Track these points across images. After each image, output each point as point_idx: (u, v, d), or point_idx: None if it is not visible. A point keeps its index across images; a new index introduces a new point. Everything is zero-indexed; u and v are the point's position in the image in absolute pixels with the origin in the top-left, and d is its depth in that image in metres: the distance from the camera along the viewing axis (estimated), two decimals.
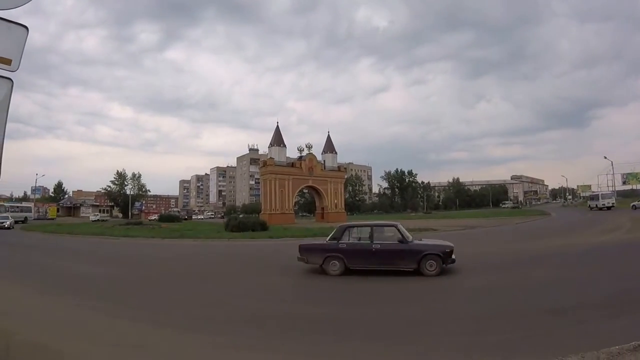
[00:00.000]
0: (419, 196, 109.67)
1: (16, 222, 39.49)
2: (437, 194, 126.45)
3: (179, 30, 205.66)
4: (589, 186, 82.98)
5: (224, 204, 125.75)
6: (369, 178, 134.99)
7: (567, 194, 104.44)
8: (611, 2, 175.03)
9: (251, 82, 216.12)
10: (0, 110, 2.30)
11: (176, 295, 8.05)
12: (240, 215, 48.32)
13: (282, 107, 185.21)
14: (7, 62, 2.29)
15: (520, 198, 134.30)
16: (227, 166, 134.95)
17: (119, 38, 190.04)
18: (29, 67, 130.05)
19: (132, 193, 77.96)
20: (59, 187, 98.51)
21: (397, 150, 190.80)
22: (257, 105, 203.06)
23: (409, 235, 9.46)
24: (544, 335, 4.67)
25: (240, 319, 6.05)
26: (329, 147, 57.28)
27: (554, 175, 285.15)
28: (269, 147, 53.89)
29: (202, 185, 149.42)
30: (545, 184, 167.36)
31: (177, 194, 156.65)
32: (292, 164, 53.33)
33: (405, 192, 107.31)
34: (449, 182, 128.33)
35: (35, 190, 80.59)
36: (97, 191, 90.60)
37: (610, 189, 59.87)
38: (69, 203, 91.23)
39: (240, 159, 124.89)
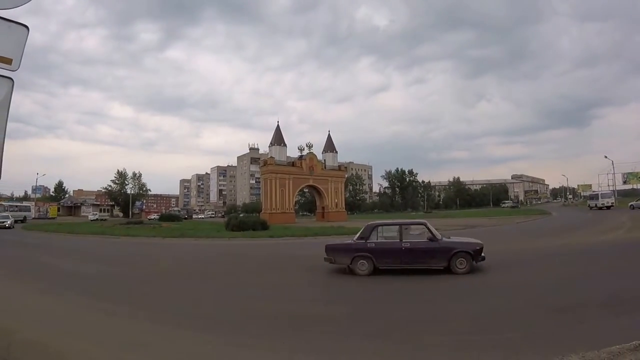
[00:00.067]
0: (419, 195, 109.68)
1: (15, 221, 39.55)
2: (437, 193, 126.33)
3: (179, 29, 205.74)
4: (590, 185, 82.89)
5: (224, 203, 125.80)
6: (370, 177, 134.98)
7: (568, 193, 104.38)
8: (612, 1, 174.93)
9: (251, 81, 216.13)
10: (0, 109, 2.30)
11: (179, 294, 8.07)
12: (241, 215, 48.37)
13: (283, 107, 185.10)
14: (8, 61, 2.29)
15: (521, 197, 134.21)
16: (228, 165, 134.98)
17: (120, 37, 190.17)
18: (30, 66, 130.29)
19: (132, 192, 78.00)
20: (59, 187, 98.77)
21: (397, 149, 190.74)
22: (257, 104, 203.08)
23: (437, 233, 9.36)
24: (545, 334, 4.67)
25: (249, 318, 6.07)
26: (330, 146, 57.32)
27: (554, 175, 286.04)
28: (269, 146, 53.96)
29: (202, 184, 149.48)
30: (545, 183, 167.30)
31: (178, 193, 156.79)
32: (292, 163, 53.40)
33: (405, 192, 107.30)
34: (449, 182, 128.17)
35: (35, 189, 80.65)
36: (98, 190, 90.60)
37: (611, 188, 59.76)
38: (69, 202, 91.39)
39: (240, 158, 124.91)
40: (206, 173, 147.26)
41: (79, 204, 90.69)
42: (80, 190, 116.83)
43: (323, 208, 54.53)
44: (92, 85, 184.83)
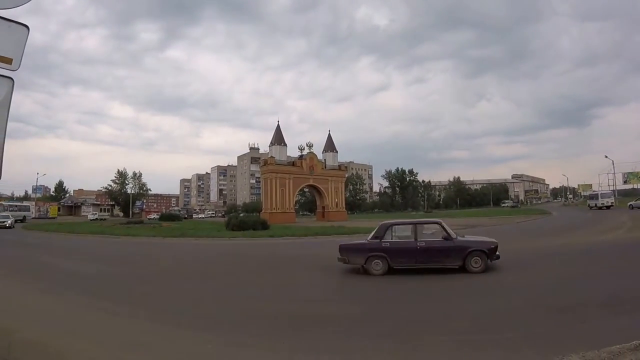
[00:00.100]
0: (419, 195, 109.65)
1: (15, 221, 39.53)
2: (437, 193, 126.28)
3: (179, 29, 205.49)
4: (590, 185, 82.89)
5: (224, 202, 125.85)
6: (370, 177, 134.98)
7: (568, 193, 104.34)
8: (612, 1, 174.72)
9: (252, 80, 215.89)
10: (1, 109, 2.30)
11: (179, 294, 8.08)
12: (241, 214, 48.41)
13: (283, 106, 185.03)
14: (8, 61, 2.29)
15: (521, 197, 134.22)
16: (228, 165, 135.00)
17: (120, 37, 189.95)
18: (30, 66, 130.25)
19: (133, 192, 78.05)
20: (60, 186, 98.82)
21: (397, 149, 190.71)
22: (257, 104, 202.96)
23: (452, 232, 9.32)
24: (545, 334, 4.67)
25: (250, 318, 6.07)
26: (330, 146, 57.34)
27: (554, 174, 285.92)
28: (269, 146, 53.97)
29: (202, 184, 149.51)
30: (546, 183, 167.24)
31: (178, 193, 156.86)
32: (292, 163, 53.41)
33: (405, 191, 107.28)
34: (449, 181, 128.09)
35: (36, 189, 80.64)
36: (98, 190, 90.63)
37: (611, 188, 59.77)
38: (70, 202, 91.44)
39: (241, 158, 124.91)
40: (206, 173, 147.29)
41: (79, 204, 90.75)
42: (80, 190, 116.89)
43: (323, 208, 54.54)
44: (92, 85, 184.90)
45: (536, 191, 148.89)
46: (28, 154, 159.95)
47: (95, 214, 68.46)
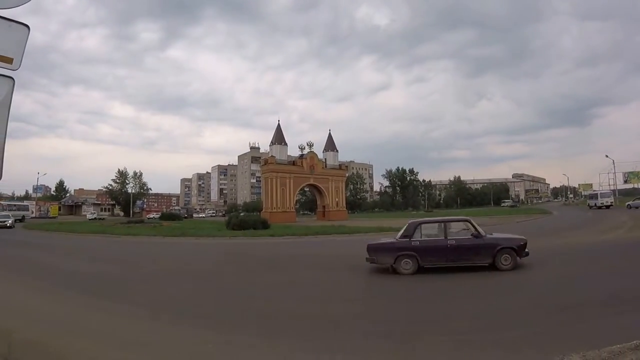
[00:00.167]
0: (420, 194, 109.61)
1: (14, 220, 39.50)
2: (438, 192, 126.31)
3: (180, 28, 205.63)
4: (591, 185, 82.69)
5: (225, 202, 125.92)
6: (370, 176, 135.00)
7: (569, 192, 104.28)
8: (612, 1, 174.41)
9: (252, 80, 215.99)
10: (1, 108, 2.30)
11: (179, 293, 8.06)
12: (242, 214, 48.42)
13: (284, 106, 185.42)
14: (9, 60, 2.29)
15: (522, 197, 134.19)
16: (229, 164, 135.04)
17: (120, 37, 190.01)
18: (31, 66, 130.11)
19: (133, 191, 78.08)
20: (60, 186, 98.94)
21: (398, 148, 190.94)
22: (258, 103, 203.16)
23: (482, 230, 9.26)
24: (546, 333, 4.67)
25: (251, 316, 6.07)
26: (330, 145, 57.34)
27: (555, 174, 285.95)
28: (270, 145, 53.98)
29: (203, 183, 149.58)
30: (546, 182, 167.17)
31: (179, 192, 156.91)
32: (293, 162, 53.39)
33: (406, 191, 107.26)
34: (450, 181, 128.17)
35: (36, 189, 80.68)
36: (99, 190, 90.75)
37: (612, 187, 59.74)
38: (70, 201, 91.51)
39: (241, 157, 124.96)
40: (207, 172, 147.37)
41: (79, 203, 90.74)
42: (81, 190, 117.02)
43: (324, 207, 54.58)
44: (92, 85, 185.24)
45: (537, 190, 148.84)
46: (29, 153, 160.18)
47: (94, 213, 68.27)
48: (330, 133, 58.35)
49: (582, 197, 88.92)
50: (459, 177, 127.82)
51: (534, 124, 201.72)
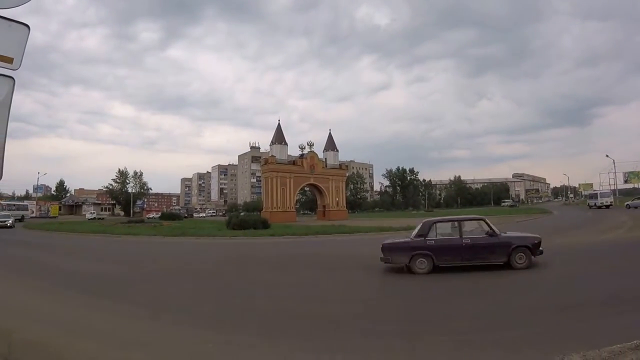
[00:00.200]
0: (420, 194, 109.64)
1: (14, 220, 39.52)
2: (438, 192, 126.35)
3: (180, 28, 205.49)
4: (591, 185, 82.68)
5: (225, 201, 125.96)
6: (371, 176, 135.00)
7: (569, 192, 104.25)
8: (613, 0, 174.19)
9: (253, 80, 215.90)
10: (2, 108, 2.30)
11: (180, 293, 8.07)
12: (242, 213, 48.43)
13: (284, 105, 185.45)
14: (9, 60, 2.29)
15: (522, 196, 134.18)
16: (229, 164, 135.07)
17: (121, 37, 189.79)
18: (31, 66, 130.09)
19: (133, 191, 78.07)
20: (60, 186, 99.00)
21: (398, 148, 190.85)
22: (258, 103, 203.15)
23: (496, 228, 9.26)
24: (546, 333, 4.67)
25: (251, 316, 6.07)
26: (331, 145, 57.35)
27: (555, 174, 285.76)
28: (270, 145, 54.00)
29: (203, 183, 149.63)
30: (547, 182, 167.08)
31: (179, 192, 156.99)
32: (293, 162, 53.39)
33: (406, 190, 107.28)
34: (450, 180, 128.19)
35: (37, 188, 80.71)
36: (99, 189, 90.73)
37: (612, 187, 59.76)
38: (70, 201, 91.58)
39: (241, 157, 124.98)
40: (207, 172, 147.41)
41: (80, 203, 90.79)
42: (81, 189, 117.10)
43: (324, 207, 54.58)
44: (93, 85, 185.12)
45: (537, 190, 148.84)
46: (29, 153, 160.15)
47: (94, 213, 67.88)
48: (330, 133, 58.48)
49: (582, 197, 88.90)
50: (459, 176, 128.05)
51: (535, 124, 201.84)
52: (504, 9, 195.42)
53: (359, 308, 6.45)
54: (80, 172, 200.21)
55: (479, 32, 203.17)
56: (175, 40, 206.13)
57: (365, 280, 9.06)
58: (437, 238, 9.11)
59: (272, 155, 52.28)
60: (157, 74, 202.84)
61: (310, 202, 79.42)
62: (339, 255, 13.81)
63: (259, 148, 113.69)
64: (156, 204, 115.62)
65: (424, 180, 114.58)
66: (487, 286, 7.77)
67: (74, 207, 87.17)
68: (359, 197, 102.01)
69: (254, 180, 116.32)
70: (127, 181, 78.83)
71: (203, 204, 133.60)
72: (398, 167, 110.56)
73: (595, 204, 45.48)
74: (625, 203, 43.12)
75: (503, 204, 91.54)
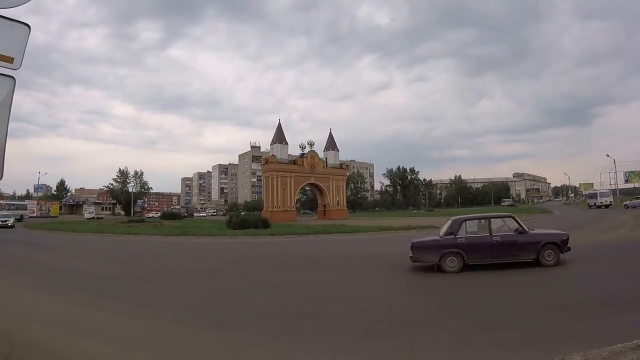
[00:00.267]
0: (420, 194, 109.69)
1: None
2: (439, 191, 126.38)
3: (180, 28, 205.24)
4: (591, 184, 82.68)
5: (226, 201, 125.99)
6: (371, 175, 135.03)
7: (570, 191, 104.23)
8: (613, 0, 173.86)
9: (253, 79, 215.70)
10: (2, 108, 2.30)
11: (180, 292, 8.07)
12: (242, 213, 48.43)
13: (284, 105, 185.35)
14: (9, 60, 2.29)
15: (523, 196, 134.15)
16: (229, 164, 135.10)
17: (121, 36, 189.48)
18: (31, 65, 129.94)
19: (134, 191, 78.17)
20: (61, 185, 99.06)
21: (399, 147, 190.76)
22: (259, 102, 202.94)
23: (525, 226, 9.24)
24: (546, 333, 4.66)
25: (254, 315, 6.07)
26: (331, 144, 57.35)
27: (556, 173, 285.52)
28: (270, 144, 54.01)
29: (204, 182, 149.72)
30: (547, 181, 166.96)
31: (180, 191, 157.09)
32: (294, 162, 53.41)
33: (407, 190, 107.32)
34: (450, 180, 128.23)
35: (37, 188, 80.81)
36: (100, 189, 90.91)
37: (613, 187, 59.75)
38: (71, 201, 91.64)
39: (242, 157, 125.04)
40: (208, 171, 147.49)
41: (80, 203, 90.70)
42: (82, 189, 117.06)
43: (324, 206, 54.60)
44: (93, 84, 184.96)
45: (537, 190, 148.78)
46: (29, 153, 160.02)
47: (93, 212, 67.24)
48: (330, 132, 58.48)
49: (582, 196, 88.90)
50: (460, 176, 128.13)
51: (535, 124, 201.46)
52: (504, 9, 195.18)
53: (358, 307, 6.45)
54: (81, 171, 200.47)
55: (480, 32, 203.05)
56: (175, 40, 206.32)
57: (365, 280, 9.06)
58: (467, 236, 9.08)
59: (272, 155, 52.29)
60: (157, 74, 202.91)
61: (310, 202, 79.50)
62: (338, 255, 13.79)
63: (259, 147, 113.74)
64: (157, 204, 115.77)
65: (424, 179, 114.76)
66: (488, 286, 7.76)
67: (75, 207, 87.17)
68: (359, 196, 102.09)
69: (255, 179, 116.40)
70: (128, 181, 79.18)
71: (203, 204, 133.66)
72: (398, 166, 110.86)
73: (595, 203, 45.56)
74: (624, 203, 43.10)
75: (502, 204, 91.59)
